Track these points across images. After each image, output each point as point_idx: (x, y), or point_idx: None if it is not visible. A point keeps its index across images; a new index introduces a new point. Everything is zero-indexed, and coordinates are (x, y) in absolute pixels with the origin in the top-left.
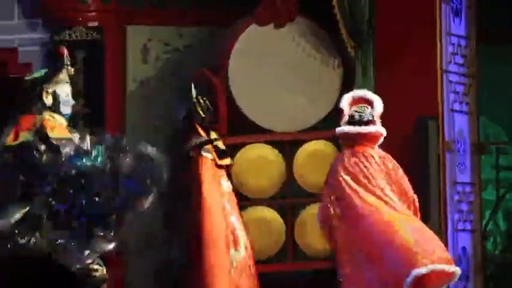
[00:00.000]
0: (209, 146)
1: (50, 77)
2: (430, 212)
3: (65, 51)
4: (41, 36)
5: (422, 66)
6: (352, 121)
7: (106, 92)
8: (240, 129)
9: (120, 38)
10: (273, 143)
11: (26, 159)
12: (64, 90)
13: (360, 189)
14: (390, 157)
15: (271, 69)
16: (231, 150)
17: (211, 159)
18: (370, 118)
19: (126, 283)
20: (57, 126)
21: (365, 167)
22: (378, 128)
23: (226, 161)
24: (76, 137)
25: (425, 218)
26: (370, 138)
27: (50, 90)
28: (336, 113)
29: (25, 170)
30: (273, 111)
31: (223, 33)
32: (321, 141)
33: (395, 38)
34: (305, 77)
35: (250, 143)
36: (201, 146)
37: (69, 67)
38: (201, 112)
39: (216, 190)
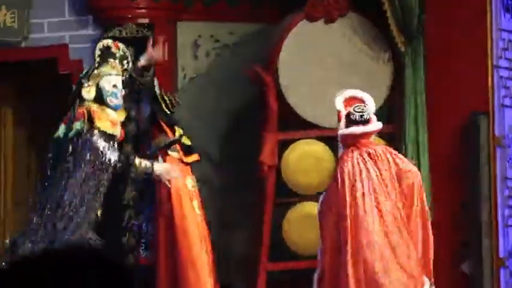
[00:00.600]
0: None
1: (89, 72)
2: (481, 208)
3: (110, 44)
4: (91, 33)
5: (473, 62)
6: (354, 121)
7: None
8: (290, 125)
9: (170, 34)
10: (323, 139)
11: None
12: (110, 82)
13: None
14: (391, 150)
15: (322, 64)
16: (281, 146)
17: (178, 158)
18: (370, 116)
19: None
20: (103, 116)
21: (367, 168)
22: (380, 125)
23: (193, 158)
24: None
25: (476, 215)
26: (370, 135)
27: (90, 84)
28: (386, 109)
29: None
30: (323, 106)
31: (274, 29)
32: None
33: (445, 34)
34: (355, 72)
35: (300, 139)
36: (169, 145)
37: (115, 60)
38: (165, 109)
39: (185, 190)
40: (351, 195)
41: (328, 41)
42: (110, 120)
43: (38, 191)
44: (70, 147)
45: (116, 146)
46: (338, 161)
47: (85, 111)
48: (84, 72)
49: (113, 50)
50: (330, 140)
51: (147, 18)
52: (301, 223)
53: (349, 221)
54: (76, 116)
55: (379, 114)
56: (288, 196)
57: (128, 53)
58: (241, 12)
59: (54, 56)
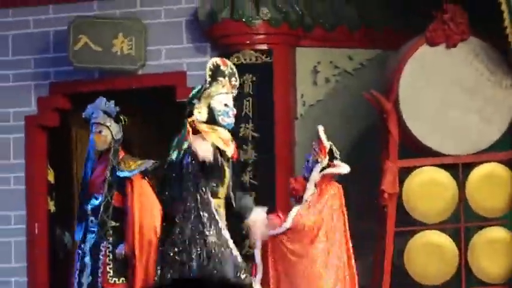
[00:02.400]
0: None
1: (199, 92)
2: None
3: (219, 62)
4: (208, 59)
5: None
6: (335, 157)
7: (275, 114)
8: (411, 152)
9: (289, 60)
10: (445, 166)
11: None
12: (221, 102)
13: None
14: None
15: (443, 90)
16: (402, 174)
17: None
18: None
19: None
20: (214, 136)
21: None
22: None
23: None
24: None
25: None
26: None
27: (202, 104)
28: (509, 135)
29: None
30: (445, 133)
31: (393, 54)
32: (495, 163)
33: None
34: (478, 97)
35: (422, 166)
36: (155, 170)
37: (224, 78)
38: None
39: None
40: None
41: (450, 66)
42: (222, 138)
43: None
44: (182, 169)
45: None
46: (335, 194)
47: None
48: (194, 92)
49: (222, 68)
50: (452, 166)
51: (266, 44)
52: (424, 252)
53: None
54: (185, 136)
55: (502, 140)
56: (410, 224)
57: (235, 70)
58: (360, 38)
59: (173, 84)
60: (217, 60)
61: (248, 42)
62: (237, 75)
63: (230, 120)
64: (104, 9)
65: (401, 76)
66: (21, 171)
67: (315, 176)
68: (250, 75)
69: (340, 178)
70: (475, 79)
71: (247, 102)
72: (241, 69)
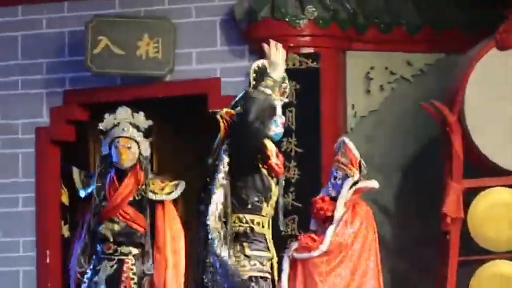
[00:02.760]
0: None
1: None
2: None
3: (266, 64)
4: (247, 64)
5: None
6: (362, 172)
7: (322, 127)
8: (477, 171)
9: (339, 65)
10: None
11: None
12: None
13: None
14: None
15: None
16: (468, 195)
17: None
18: None
19: None
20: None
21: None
22: None
23: None
24: None
25: None
26: None
27: None
28: None
29: None
30: None
31: (458, 59)
32: None
33: None
34: None
35: (491, 187)
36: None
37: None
38: None
39: None
40: None
41: None
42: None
43: None
44: None
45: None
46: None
47: None
48: (238, 98)
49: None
50: None
51: (312, 48)
52: (493, 284)
53: None
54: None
55: None
56: (476, 253)
57: (284, 73)
58: (420, 40)
59: (204, 92)
60: (263, 61)
61: (292, 44)
62: (287, 80)
63: (278, 130)
64: (127, 7)
65: (467, 84)
66: (31, 191)
67: (346, 192)
68: (294, 83)
69: (398, 199)
70: None
71: (290, 113)
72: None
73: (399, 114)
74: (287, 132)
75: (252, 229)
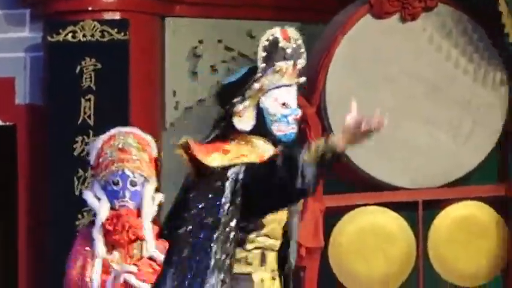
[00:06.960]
0: None
1: (247, 86)
2: None
3: (278, 35)
4: (27, 35)
5: None
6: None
7: (131, 121)
8: (343, 183)
9: (155, 38)
10: (397, 205)
11: None
12: (276, 99)
13: None
14: None
15: (396, 86)
16: (330, 217)
17: None
18: None
19: None
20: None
21: None
22: None
23: None
24: None
25: None
26: None
27: (247, 105)
28: (497, 154)
29: None
30: (397, 156)
31: (319, 30)
32: (474, 202)
33: None
34: (449, 97)
35: (360, 206)
36: None
37: (286, 61)
38: None
39: None
40: None
41: (406, 50)
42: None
43: None
44: None
45: None
46: None
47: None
48: (234, 79)
49: (282, 44)
50: (406, 206)
51: (118, 12)
52: None
53: None
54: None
55: (485, 167)
56: None
57: (302, 44)
58: (267, 4)
59: None
60: (274, 31)
61: (90, 8)
62: (305, 54)
63: (289, 130)
64: None
65: (330, 65)
66: None
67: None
68: (93, 61)
69: None
70: (444, 70)
71: (87, 103)
72: (79, 50)
73: None
74: (82, 128)
75: None
